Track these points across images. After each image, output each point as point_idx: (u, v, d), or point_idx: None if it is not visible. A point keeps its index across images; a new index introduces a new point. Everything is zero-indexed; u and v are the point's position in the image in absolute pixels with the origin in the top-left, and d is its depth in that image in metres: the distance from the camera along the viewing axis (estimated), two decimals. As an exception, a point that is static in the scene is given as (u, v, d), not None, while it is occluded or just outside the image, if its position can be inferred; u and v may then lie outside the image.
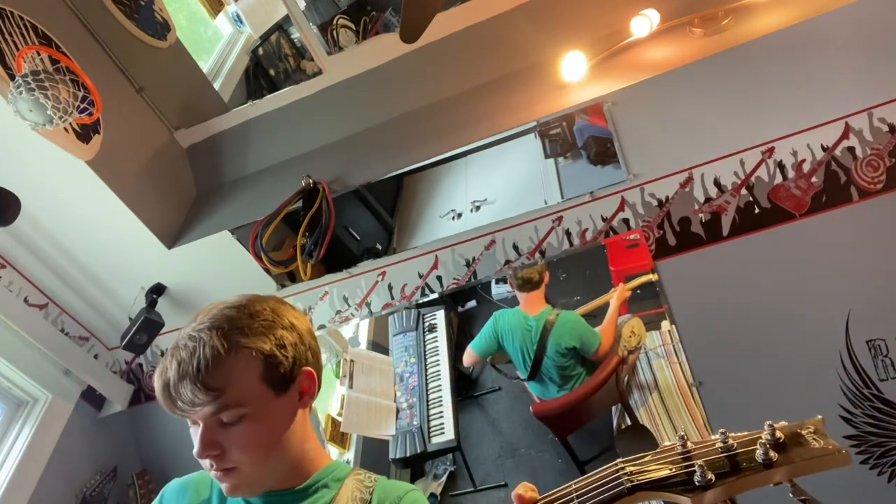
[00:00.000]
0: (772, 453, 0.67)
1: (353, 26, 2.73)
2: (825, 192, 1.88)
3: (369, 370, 2.80)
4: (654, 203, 2.00)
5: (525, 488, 0.79)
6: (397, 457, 2.67)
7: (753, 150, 1.91)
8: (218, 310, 0.97)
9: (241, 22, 3.66)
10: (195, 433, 0.94)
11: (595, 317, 2.56)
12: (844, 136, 1.85)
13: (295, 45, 3.47)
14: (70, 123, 1.88)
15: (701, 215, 1.97)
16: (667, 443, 0.72)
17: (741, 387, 1.98)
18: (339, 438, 2.65)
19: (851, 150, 1.85)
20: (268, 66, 3.50)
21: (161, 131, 2.52)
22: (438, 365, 2.86)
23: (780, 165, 1.90)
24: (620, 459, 0.72)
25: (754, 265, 1.95)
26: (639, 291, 2.36)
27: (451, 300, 3.05)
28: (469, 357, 2.74)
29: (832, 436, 0.68)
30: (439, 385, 2.80)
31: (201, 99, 2.93)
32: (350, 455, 2.67)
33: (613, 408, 2.60)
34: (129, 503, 2.46)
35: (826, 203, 1.88)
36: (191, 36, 3.43)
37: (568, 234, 2.08)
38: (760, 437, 0.68)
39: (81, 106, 1.82)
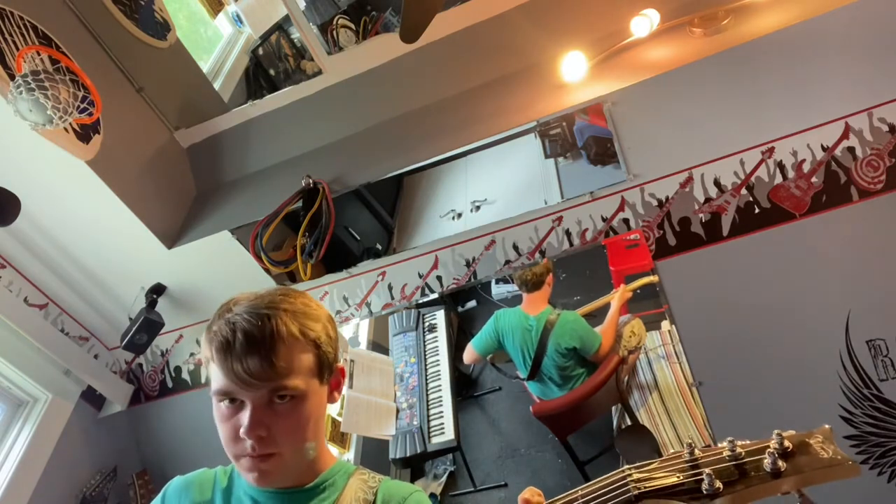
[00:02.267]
0: (780, 462, 0.66)
1: (353, 26, 2.73)
2: (825, 192, 1.88)
3: (369, 370, 2.80)
4: (654, 203, 2.00)
5: (532, 493, 0.79)
6: (397, 457, 2.67)
7: (753, 150, 1.91)
8: (266, 294, 0.97)
9: (241, 22, 3.66)
10: (229, 416, 0.92)
11: (595, 317, 2.56)
12: (844, 136, 1.85)
13: (295, 45, 3.47)
14: (70, 123, 1.88)
15: (701, 215, 1.97)
16: (673, 450, 0.72)
17: (741, 387, 1.98)
18: (339, 438, 2.65)
19: (851, 150, 1.85)
20: (268, 66, 3.50)
21: (161, 131, 2.52)
22: (438, 365, 2.87)
23: (780, 165, 1.90)
24: (627, 466, 0.71)
25: (754, 265, 1.95)
26: (639, 292, 2.37)
27: (451, 300, 3.06)
28: (469, 354, 2.75)
29: (833, 436, 0.67)
30: (439, 385, 2.81)
31: (201, 99, 2.93)
32: (350, 455, 2.67)
33: (613, 408, 2.60)
34: (129, 503, 2.47)
35: (826, 203, 1.88)
36: (191, 36, 3.43)
37: (568, 234, 2.08)
38: (769, 446, 0.67)
39: (81, 106, 1.82)
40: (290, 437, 0.93)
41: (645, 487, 0.69)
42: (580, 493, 0.72)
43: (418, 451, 2.64)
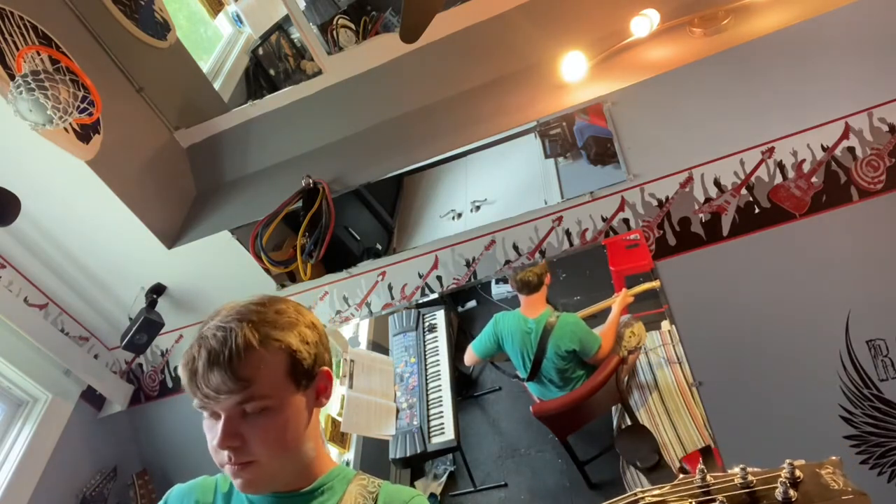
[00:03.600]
0: (791, 492, 0.66)
1: (353, 26, 2.73)
2: (825, 192, 1.88)
3: (369, 370, 2.80)
4: (654, 203, 2.00)
5: None
6: (397, 457, 2.67)
7: (753, 150, 1.91)
8: (243, 305, 0.98)
9: (241, 22, 3.66)
10: (212, 426, 0.94)
11: (595, 318, 2.56)
12: (844, 136, 1.85)
13: (295, 45, 3.47)
14: (70, 123, 1.88)
15: (701, 215, 1.97)
16: (684, 475, 0.72)
17: (741, 387, 1.98)
18: (339, 438, 2.65)
19: (851, 150, 1.85)
20: (268, 66, 3.50)
21: (161, 131, 2.52)
22: (438, 365, 2.87)
23: (780, 165, 1.90)
24: (639, 490, 0.71)
25: (754, 265, 1.95)
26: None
27: (451, 300, 3.06)
28: (469, 357, 2.75)
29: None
30: (439, 385, 2.81)
31: (201, 99, 2.93)
32: (350, 455, 2.67)
33: (613, 408, 2.60)
34: (129, 503, 2.47)
35: (826, 203, 1.88)
36: (191, 36, 3.43)
37: (568, 234, 2.08)
38: (780, 475, 0.68)
39: (81, 106, 1.82)
40: (265, 446, 0.93)
41: None
42: None
43: (418, 451, 2.64)
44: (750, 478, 0.68)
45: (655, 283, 2.01)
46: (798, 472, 0.68)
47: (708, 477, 0.70)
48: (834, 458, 0.69)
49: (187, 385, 0.94)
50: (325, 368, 1.02)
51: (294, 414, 0.96)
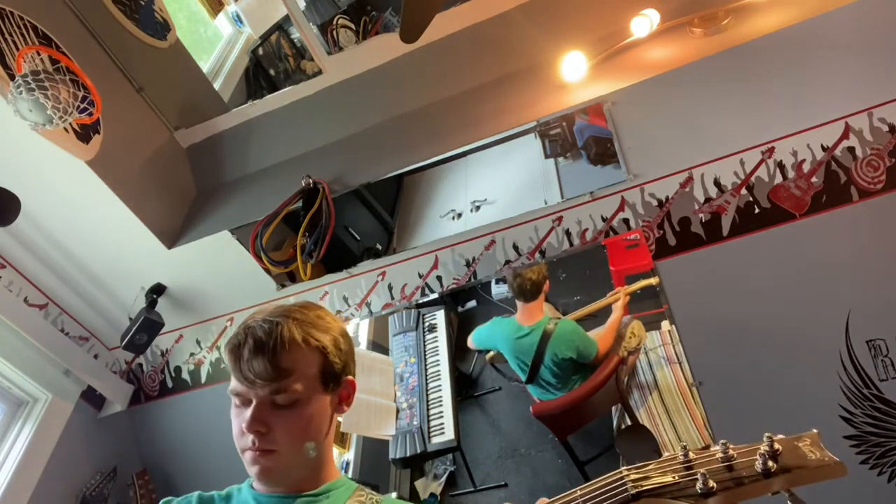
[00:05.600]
0: (770, 463, 0.70)
1: (353, 26, 2.74)
2: (825, 192, 1.88)
3: (369, 370, 2.80)
4: (654, 203, 2.00)
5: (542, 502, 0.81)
6: (397, 457, 2.67)
7: (753, 150, 1.91)
8: (287, 306, 1.05)
9: (241, 22, 3.67)
10: (240, 413, 0.99)
11: (596, 317, 2.56)
12: (844, 136, 1.85)
13: (295, 45, 3.47)
14: (70, 123, 1.88)
15: (701, 215, 1.97)
16: (669, 453, 0.74)
17: (741, 387, 1.98)
18: (339, 438, 2.65)
19: (851, 150, 1.85)
20: (268, 66, 3.50)
21: (161, 131, 2.52)
22: (438, 365, 2.86)
23: (780, 165, 1.90)
24: (625, 467, 0.73)
25: (754, 265, 1.95)
26: (638, 292, 2.37)
27: (451, 300, 3.06)
28: (470, 343, 2.77)
29: (833, 436, 0.69)
30: (439, 385, 2.81)
31: (201, 99, 2.93)
32: (350, 455, 2.67)
33: (613, 408, 2.60)
34: (129, 503, 2.47)
35: (826, 203, 1.88)
36: (191, 36, 3.44)
37: (568, 234, 2.08)
38: (759, 449, 0.71)
39: (81, 106, 1.82)
40: (288, 436, 0.99)
41: (642, 487, 0.71)
42: (578, 493, 0.75)
43: (418, 451, 2.64)
44: (731, 452, 0.72)
45: (652, 280, 2.01)
46: (777, 446, 0.72)
47: (690, 453, 0.73)
48: (813, 431, 0.74)
49: (231, 368, 1.00)
50: (351, 378, 1.09)
51: (319, 412, 1.02)
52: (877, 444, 1.88)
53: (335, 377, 1.04)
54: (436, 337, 2.93)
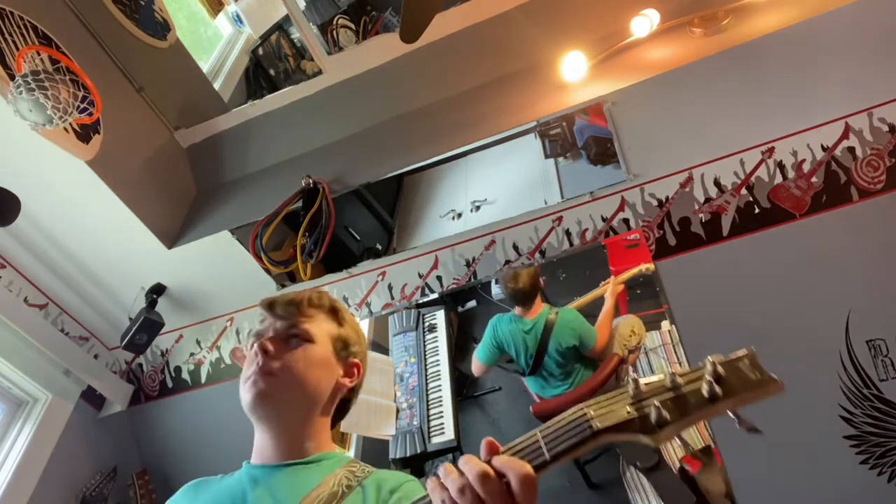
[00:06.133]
0: (716, 388, 0.73)
1: (353, 26, 2.74)
2: (825, 192, 1.88)
3: (369, 370, 2.79)
4: (654, 203, 2.00)
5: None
6: (397, 457, 2.67)
7: (753, 150, 1.91)
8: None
9: (241, 22, 3.67)
10: (253, 357, 1.08)
11: (593, 316, 2.55)
12: (844, 136, 1.85)
13: (295, 45, 3.47)
14: (70, 123, 1.88)
15: (701, 215, 1.97)
16: (620, 388, 0.77)
17: (741, 387, 1.98)
18: (339, 438, 2.65)
19: (851, 150, 1.85)
20: (268, 66, 3.50)
21: (161, 131, 2.52)
22: (438, 365, 2.86)
23: (780, 165, 1.90)
24: (583, 404, 0.76)
25: (754, 265, 1.95)
26: (638, 292, 2.36)
27: (451, 300, 3.05)
28: (477, 367, 2.74)
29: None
30: (439, 385, 2.80)
31: (201, 99, 2.93)
32: (350, 455, 2.67)
33: (613, 408, 2.59)
34: (129, 503, 2.47)
35: (826, 203, 1.88)
36: (191, 36, 3.44)
37: (568, 234, 2.08)
38: (703, 374, 0.74)
39: (81, 106, 1.82)
40: (291, 364, 1.08)
41: (601, 424, 0.73)
42: (540, 433, 0.76)
43: (418, 451, 2.64)
44: (678, 380, 0.75)
45: (642, 267, 2.01)
46: (720, 369, 0.75)
47: (641, 385, 0.76)
48: (751, 348, 0.78)
49: (264, 310, 1.15)
50: (357, 361, 1.20)
51: (322, 362, 1.12)
52: (877, 444, 1.88)
53: (346, 347, 1.16)
54: (436, 337, 2.93)
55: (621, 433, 0.73)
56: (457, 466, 0.74)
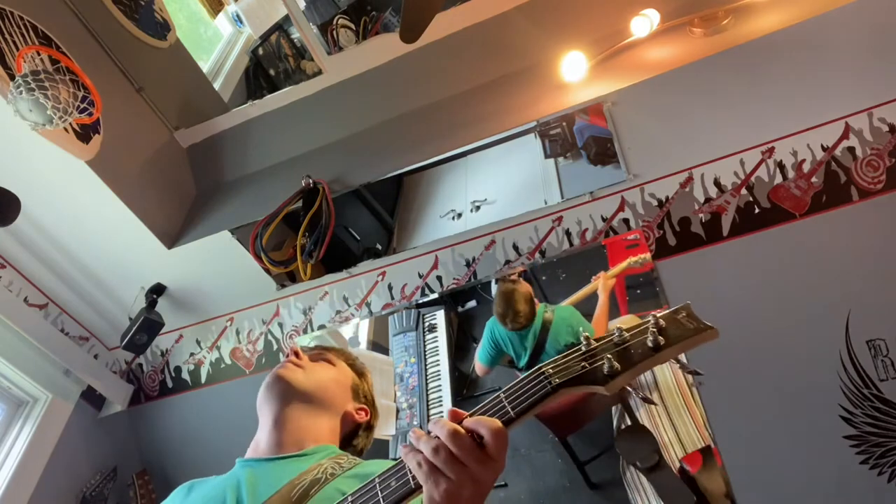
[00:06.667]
0: (659, 338, 0.81)
1: (353, 26, 2.73)
2: (825, 192, 1.88)
3: (369, 370, 2.80)
4: (654, 203, 2.00)
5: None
6: (398, 457, 2.67)
7: (753, 150, 1.91)
8: None
9: (241, 22, 3.66)
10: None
11: (590, 315, 2.55)
12: (844, 136, 1.85)
13: (295, 45, 3.47)
14: (70, 123, 1.88)
15: (701, 215, 1.97)
16: (574, 347, 0.85)
17: (741, 387, 1.98)
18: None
19: (851, 150, 1.85)
20: (268, 66, 3.50)
21: (161, 131, 2.52)
22: (438, 365, 2.86)
23: (780, 165, 1.90)
24: (542, 365, 0.84)
25: (754, 265, 1.95)
26: (638, 292, 2.36)
27: (451, 300, 3.05)
28: (479, 368, 2.75)
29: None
30: (439, 385, 2.80)
31: (201, 99, 2.93)
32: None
33: (613, 408, 2.60)
34: (129, 503, 2.46)
35: (826, 203, 1.88)
36: (191, 36, 3.44)
37: (568, 234, 2.08)
38: (648, 328, 0.82)
39: (81, 106, 1.82)
40: (311, 370, 1.25)
41: (560, 379, 0.81)
42: (503, 394, 0.82)
43: (418, 451, 2.64)
44: (625, 335, 0.84)
45: (631, 259, 2.01)
46: (661, 322, 0.83)
47: (592, 342, 0.85)
48: (686, 303, 0.87)
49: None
50: (368, 409, 1.34)
51: (339, 382, 1.29)
52: (877, 444, 1.88)
53: (358, 394, 1.33)
54: (436, 337, 2.93)
55: (578, 385, 0.80)
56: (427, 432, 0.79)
